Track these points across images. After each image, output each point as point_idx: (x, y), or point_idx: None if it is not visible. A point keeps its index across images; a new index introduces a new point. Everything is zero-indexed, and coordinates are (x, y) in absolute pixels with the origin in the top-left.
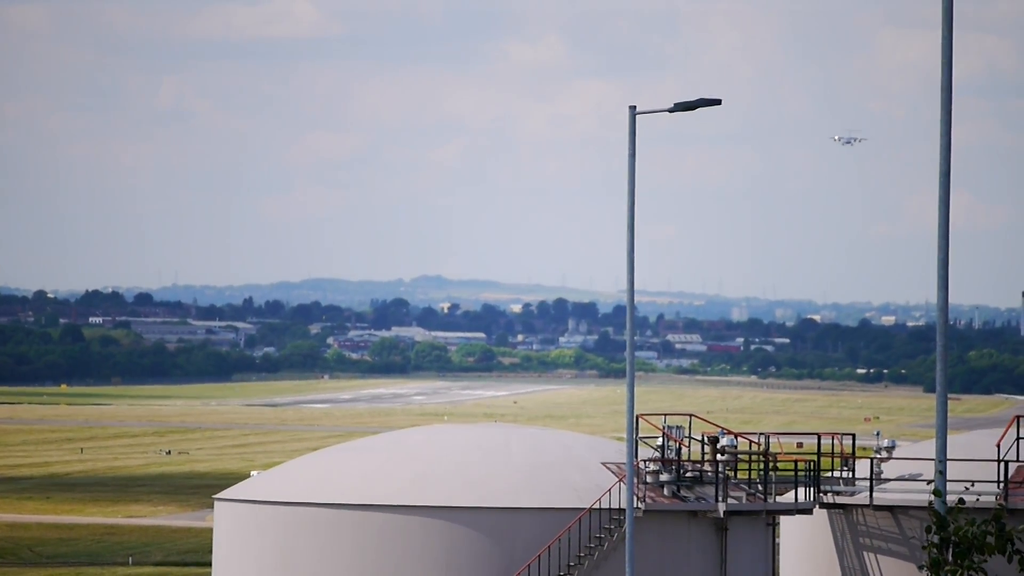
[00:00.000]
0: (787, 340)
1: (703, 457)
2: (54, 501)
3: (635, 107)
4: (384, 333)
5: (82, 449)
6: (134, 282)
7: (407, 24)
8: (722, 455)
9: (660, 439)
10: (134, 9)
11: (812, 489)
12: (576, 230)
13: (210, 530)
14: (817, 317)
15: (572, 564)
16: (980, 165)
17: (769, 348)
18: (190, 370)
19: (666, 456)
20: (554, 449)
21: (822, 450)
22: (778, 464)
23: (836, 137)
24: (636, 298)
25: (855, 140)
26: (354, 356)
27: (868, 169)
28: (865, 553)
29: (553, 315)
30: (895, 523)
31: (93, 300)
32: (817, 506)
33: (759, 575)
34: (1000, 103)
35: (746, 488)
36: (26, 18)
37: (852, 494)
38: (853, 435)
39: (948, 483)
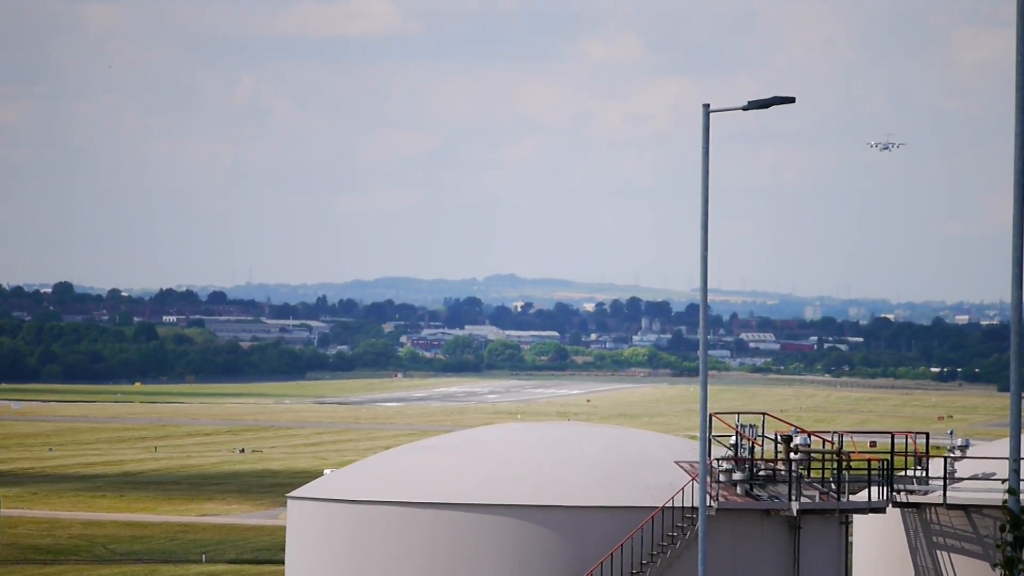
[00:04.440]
0: (861, 339)
1: (776, 456)
2: (128, 499)
3: (708, 105)
4: (457, 332)
5: (156, 447)
6: (208, 280)
7: (484, 22)
8: (795, 454)
9: (733, 438)
10: (211, 7)
11: (885, 488)
12: (650, 228)
13: (283, 528)
14: (891, 316)
15: (645, 563)
16: None
17: (843, 347)
18: (264, 368)
19: (739, 455)
20: (627, 448)
21: (896, 449)
22: (851, 463)
23: (872, 143)
24: (709, 297)
25: (892, 146)
26: (427, 355)
27: (943, 167)
28: (938, 552)
29: (626, 314)
30: (969, 522)
31: (167, 299)
32: (890, 505)
33: (832, 574)
34: None
35: (819, 487)
36: (103, 17)
37: (926, 493)
38: (927, 434)
39: (1023, 482)
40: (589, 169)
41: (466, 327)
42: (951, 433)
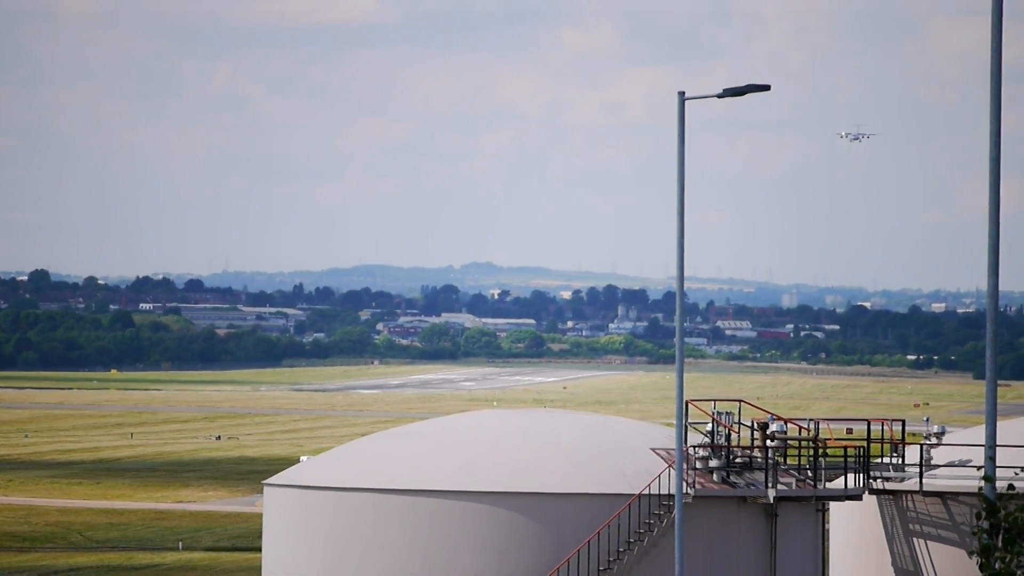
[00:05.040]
0: (837, 327)
1: (753, 443)
2: (104, 486)
3: (684, 93)
4: (434, 319)
5: (132, 434)
6: (184, 268)
7: (461, 10)
8: (772, 441)
9: (710, 425)
10: None
11: (862, 475)
12: (626, 216)
13: (259, 515)
14: (867, 304)
15: (621, 550)
16: None
17: (819, 335)
18: (240, 356)
19: (716, 442)
20: (603, 435)
21: (872, 436)
22: (828, 450)
23: (843, 133)
24: (686, 285)
25: (863, 136)
26: (404, 342)
27: (919, 156)
28: (915, 539)
29: (603, 301)
30: (945, 509)
31: (143, 286)
32: (867, 492)
33: (808, 561)
34: None
35: (796, 474)
36: (79, 5)
37: (902, 480)
38: (903, 421)
39: (998, 469)
40: (566, 157)
41: (443, 315)
42: (927, 420)
